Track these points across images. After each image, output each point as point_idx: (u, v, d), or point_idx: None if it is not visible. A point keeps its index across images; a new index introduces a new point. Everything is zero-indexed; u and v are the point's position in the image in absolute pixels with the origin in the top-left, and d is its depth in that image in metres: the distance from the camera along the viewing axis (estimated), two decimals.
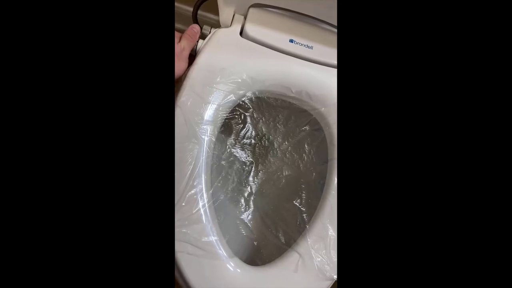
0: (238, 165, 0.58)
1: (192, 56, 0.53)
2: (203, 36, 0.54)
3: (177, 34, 0.51)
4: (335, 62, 0.54)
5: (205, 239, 0.44)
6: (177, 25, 0.80)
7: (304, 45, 0.54)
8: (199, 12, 0.61)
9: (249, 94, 0.52)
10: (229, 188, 0.55)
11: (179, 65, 0.49)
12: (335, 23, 0.55)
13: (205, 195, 0.45)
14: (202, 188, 0.45)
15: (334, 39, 0.55)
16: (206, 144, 0.47)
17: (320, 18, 0.54)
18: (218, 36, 0.53)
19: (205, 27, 0.55)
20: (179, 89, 0.49)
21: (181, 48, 0.50)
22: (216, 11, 0.54)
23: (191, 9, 0.60)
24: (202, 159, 0.46)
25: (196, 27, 0.53)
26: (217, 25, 0.55)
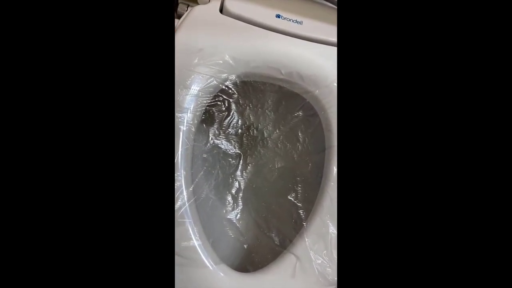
0: (223, 158, 0.54)
1: None
2: (178, 16, 0.50)
3: None
4: (327, 38, 0.50)
5: (185, 244, 0.39)
6: None
7: (293, 21, 0.49)
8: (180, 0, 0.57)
9: (232, 77, 0.47)
10: (213, 185, 0.51)
11: None
12: None
13: (184, 193, 0.41)
14: (181, 185, 0.41)
15: (325, 13, 0.51)
16: (184, 135, 0.42)
17: None
18: (195, 14, 0.48)
19: (180, 5, 0.51)
20: None
21: None
22: None
23: None
24: (181, 152, 0.42)
25: None
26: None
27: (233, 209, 0.51)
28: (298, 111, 0.54)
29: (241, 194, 0.53)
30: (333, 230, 0.42)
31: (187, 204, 0.40)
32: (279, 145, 0.56)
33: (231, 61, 0.45)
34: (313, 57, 0.48)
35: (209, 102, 0.46)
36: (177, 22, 0.49)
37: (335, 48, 0.50)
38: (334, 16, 0.51)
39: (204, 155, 0.52)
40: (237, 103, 0.53)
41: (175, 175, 0.41)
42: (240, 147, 0.55)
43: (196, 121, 0.44)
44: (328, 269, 0.40)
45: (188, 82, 0.43)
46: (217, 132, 0.53)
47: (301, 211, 0.50)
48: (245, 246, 0.49)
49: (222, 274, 0.39)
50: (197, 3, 0.50)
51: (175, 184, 0.40)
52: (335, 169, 0.45)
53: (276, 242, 0.48)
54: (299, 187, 0.52)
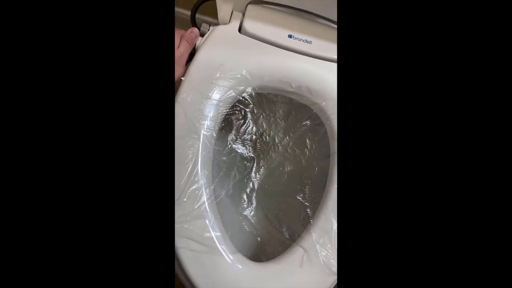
0: (239, 161, 0.58)
1: (192, 55, 0.53)
2: (201, 34, 0.54)
3: (177, 36, 0.51)
4: (334, 56, 0.54)
5: (207, 234, 0.43)
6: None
7: (303, 40, 0.54)
8: (197, 16, 0.61)
9: (249, 90, 0.52)
10: (231, 184, 0.55)
11: (177, 71, 0.49)
12: (334, 18, 0.55)
13: (206, 191, 0.45)
14: (203, 183, 0.45)
15: (332, 34, 0.55)
16: (207, 140, 0.47)
17: (319, 14, 0.55)
18: (216, 33, 0.53)
19: (203, 25, 0.55)
20: (177, 89, 0.49)
21: (180, 53, 0.50)
22: (214, 14, 0.54)
23: (189, 12, 0.61)
24: (203, 155, 0.46)
25: (195, 31, 0.53)
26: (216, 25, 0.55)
27: (247, 207, 0.55)
28: (306, 120, 0.58)
29: (254, 194, 0.56)
30: (336, 226, 0.45)
31: (208, 201, 0.44)
32: (288, 150, 0.59)
33: (248, 76, 0.50)
34: (320, 73, 0.52)
35: (228, 111, 0.51)
36: (200, 39, 0.53)
37: None
38: None
39: (223, 158, 0.55)
40: (252, 112, 0.57)
41: (198, 175, 0.44)
42: (254, 152, 0.59)
43: (216, 128, 0.48)
44: (332, 260, 0.44)
45: (211, 93, 0.48)
46: (234, 137, 0.57)
47: (308, 210, 0.53)
48: (258, 239, 0.53)
49: (238, 263, 0.43)
50: (219, 23, 0.55)
51: (198, 184, 0.44)
52: None
53: (286, 236, 0.51)
54: (307, 188, 0.56)
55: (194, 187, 0.44)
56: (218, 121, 0.49)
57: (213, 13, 0.54)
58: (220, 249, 0.43)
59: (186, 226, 0.43)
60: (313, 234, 0.45)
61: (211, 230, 0.43)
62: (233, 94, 0.50)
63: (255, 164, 0.58)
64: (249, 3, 0.54)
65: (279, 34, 0.53)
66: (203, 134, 0.46)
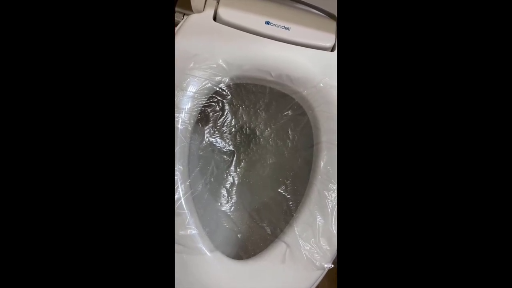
0: (217, 155, 0.56)
1: None
2: (175, 24, 0.52)
3: None
4: (314, 42, 0.53)
5: (181, 232, 0.41)
6: None
7: (281, 27, 0.52)
8: (179, 10, 0.59)
9: (226, 80, 0.50)
10: (208, 180, 0.53)
11: None
12: (313, 3, 0.53)
13: (182, 187, 0.43)
14: (178, 179, 0.43)
15: (311, 19, 0.54)
16: (182, 134, 0.45)
17: None
18: (190, 22, 0.51)
19: (176, 14, 0.53)
20: None
21: None
22: None
23: None
24: (178, 149, 0.44)
25: None
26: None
27: (227, 202, 0.53)
28: (287, 111, 0.56)
29: (235, 188, 0.54)
30: (320, 219, 0.44)
31: (184, 197, 0.42)
32: (270, 142, 0.58)
33: (224, 65, 0.48)
34: (300, 60, 0.51)
35: (204, 103, 0.49)
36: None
37: (321, 52, 0.52)
38: (319, 22, 0.53)
39: (200, 152, 0.53)
40: (230, 103, 0.55)
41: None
42: (234, 145, 0.57)
43: (192, 121, 0.46)
44: (315, 255, 0.42)
45: (185, 84, 0.46)
46: (212, 130, 0.55)
47: (290, 203, 0.52)
48: (239, 235, 0.51)
49: (216, 261, 0.41)
50: (192, 12, 0.52)
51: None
52: (322, 163, 0.47)
53: (268, 232, 0.50)
54: (289, 180, 0.54)
55: None
56: (194, 113, 0.47)
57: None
58: (197, 247, 0.41)
59: None
60: (295, 228, 0.44)
61: (187, 228, 0.41)
62: (209, 85, 0.48)
63: (235, 158, 0.57)
64: None
65: (255, 21, 0.51)
66: (178, 128, 0.44)
